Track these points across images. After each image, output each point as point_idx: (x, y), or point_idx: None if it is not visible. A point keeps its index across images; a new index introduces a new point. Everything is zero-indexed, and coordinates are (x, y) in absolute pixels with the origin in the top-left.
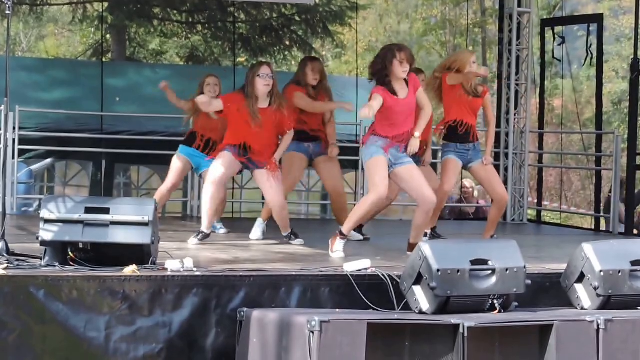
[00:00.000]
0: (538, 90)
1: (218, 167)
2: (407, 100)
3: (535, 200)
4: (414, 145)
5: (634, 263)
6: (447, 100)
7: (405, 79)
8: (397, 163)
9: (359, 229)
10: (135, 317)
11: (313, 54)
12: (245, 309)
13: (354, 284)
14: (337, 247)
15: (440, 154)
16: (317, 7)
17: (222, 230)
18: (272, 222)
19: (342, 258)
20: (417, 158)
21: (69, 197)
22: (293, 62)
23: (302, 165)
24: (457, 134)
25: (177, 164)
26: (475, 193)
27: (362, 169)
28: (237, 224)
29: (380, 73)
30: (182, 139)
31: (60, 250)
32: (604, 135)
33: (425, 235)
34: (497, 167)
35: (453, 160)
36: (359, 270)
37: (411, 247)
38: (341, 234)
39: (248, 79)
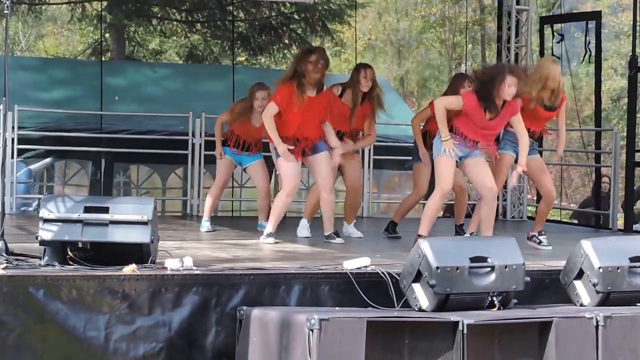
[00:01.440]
0: None
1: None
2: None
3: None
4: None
5: (632, 259)
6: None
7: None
8: (467, 156)
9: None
10: (135, 316)
11: None
12: (245, 308)
13: (354, 281)
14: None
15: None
16: (316, 6)
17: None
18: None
19: None
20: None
21: (68, 196)
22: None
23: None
24: None
25: (221, 163)
26: None
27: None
28: (237, 223)
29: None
30: (183, 137)
31: (59, 250)
32: (603, 132)
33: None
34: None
35: (507, 156)
36: (359, 268)
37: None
38: (420, 235)
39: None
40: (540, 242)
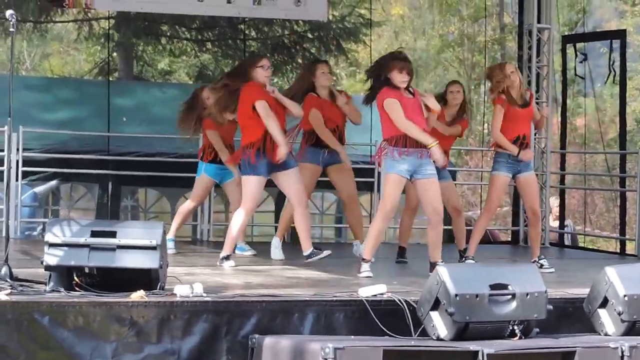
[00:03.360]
0: (559, 109)
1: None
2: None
3: (557, 223)
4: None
5: None
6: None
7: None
8: (419, 173)
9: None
10: (143, 344)
11: None
12: (257, 336)
13: (369, 309)
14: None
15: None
16: (331, 24)
17: (249, 252)
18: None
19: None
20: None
21: (74, 220)
22: None
23: (315, 176)
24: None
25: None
26: None
27: (378, 190)
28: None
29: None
30: (193, 160)
31: (65, 275)
32: (627, 155)
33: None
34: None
35: (502, 177)
36: (375, 295)
37: (433, 266)
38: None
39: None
40: (542, 267)
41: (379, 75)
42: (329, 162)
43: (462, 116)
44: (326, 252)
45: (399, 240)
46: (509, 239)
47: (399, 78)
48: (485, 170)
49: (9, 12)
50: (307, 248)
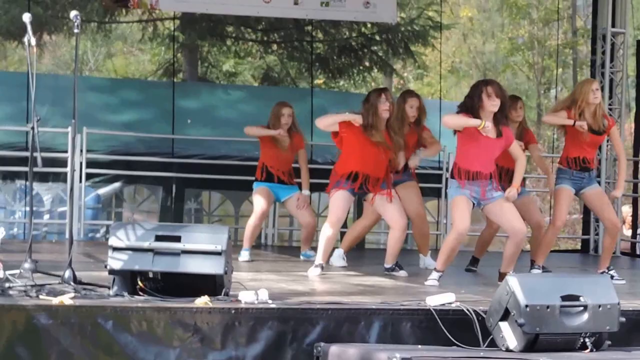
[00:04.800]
0: (633, 114)
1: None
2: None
3: (630, 232)
4: (512, 196)
5: None
6: (567, 135)
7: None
8: (485, 199)
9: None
10: (207, 351)
11: (394, 76)
12: (322, 344)
13: (437, 319)
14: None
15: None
16: (399, 27)
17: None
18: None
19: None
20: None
21: (138, 224)
22: (373, 84)
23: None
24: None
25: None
26: None
27: (445, 196)
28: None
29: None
30: (256, 163)
31: (129, 280)
32: None
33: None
34: None
35: (566, 190)
36: (443, 304)
37: (502, 276)
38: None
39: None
40: (612, 277)
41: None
42: (396, 182)
43: (523, 133)
44: (403, 273)
45: (474, 251)
46: (579, 248)
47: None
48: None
49: (73, 13)
50: (389, 262)
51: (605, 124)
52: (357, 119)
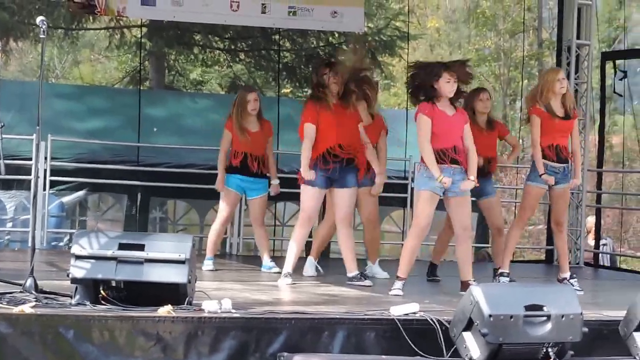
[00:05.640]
0: (597, 126)
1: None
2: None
3: (593, 242)
4: (468, 186)
5: None
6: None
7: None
8: (451, 190)
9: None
10: None
11: None
12: (285, 354)
13: (401, 328)
14: (395, 287)
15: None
16: (366, 36)
17: (275, 270)
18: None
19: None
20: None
21: (102, 232)
22: None
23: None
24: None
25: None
26: None
27: (411, 206)
28: (279, 263)
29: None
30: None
31: (91, 289)
32: None
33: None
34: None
35: (536, 188)
36: (407, 314)
37: (464, 284)
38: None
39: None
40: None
41: (424, 82)
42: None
43: (493, 125)
44: (368, 283)
45: (432, 256)
46: (543, 258)
47: (447, 88)
48: (520, 187)
49: (39, 19)
50: (352, 270)
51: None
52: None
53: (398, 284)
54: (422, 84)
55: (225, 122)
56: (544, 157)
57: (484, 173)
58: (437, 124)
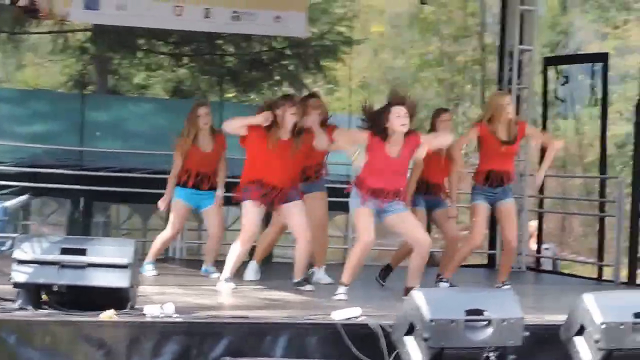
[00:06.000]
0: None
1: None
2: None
3: (535, 247)
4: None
5: (637, 315)
6: (481, 149)
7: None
8: (385, 212)
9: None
10: None
11: (304, 90)
12: (228, 358)
13: (343, 333)
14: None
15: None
16: (310, 41)
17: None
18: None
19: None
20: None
21: (44, 236)
22: None
23: None
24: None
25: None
26: None
27: None
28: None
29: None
30: (166, 176)
31: (34, 293)
32: (607, 180)
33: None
34: None
35: (482, 206)
36: (349, 318)
37: (407, 291)
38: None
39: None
40: None
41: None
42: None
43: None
44: (309, 287)
45: (392, 259)
46: (485, 263)
47: (398, 122)
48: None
49: None
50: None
51: (516, 132)
52: (268, 117)
53: (342, 289)
54: (375, 126)
55: (176, 144)
56: (481, 180)
57: (437, 190)
58: (372, 157)
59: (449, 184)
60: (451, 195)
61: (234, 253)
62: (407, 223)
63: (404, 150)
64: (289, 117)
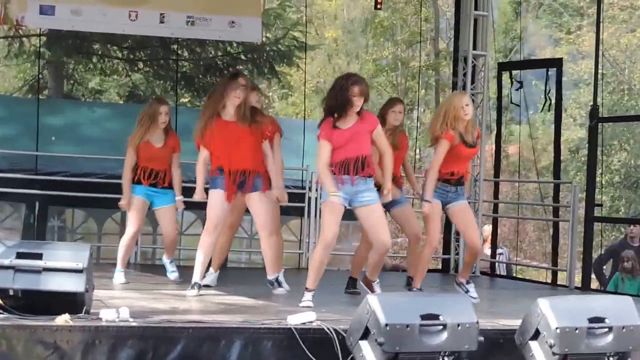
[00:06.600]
0: (494, 136)
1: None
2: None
3: (489, 251)
4: (387, 198)
5: (591, 320)
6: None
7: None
8: (357, 201)
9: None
10: None
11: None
12: None
13: (298, 337)
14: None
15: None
16: (264, 47)
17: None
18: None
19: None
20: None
21: None
22: None
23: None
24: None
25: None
26: None
27: (308, 215)
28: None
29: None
30: (121, 181)
31: None
32: (561, 185)
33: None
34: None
35: (435, 205)
36: (303, 323)
37: (366, 280)
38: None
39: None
40: (467, 292)
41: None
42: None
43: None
44: (281, 290)
45: (351, 271)
46: (439, 267)
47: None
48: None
49: None
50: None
51: (475, 135)
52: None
53: (308, 296)
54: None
55: (129, 139)
56: (440, 178)
57: (395, 183)
58: (336, 140)
59: (426, 183)
60: (426, 191)
61: (200, 251)
62: (373, 220)
63: (358, 123)
64: (231, 99)
